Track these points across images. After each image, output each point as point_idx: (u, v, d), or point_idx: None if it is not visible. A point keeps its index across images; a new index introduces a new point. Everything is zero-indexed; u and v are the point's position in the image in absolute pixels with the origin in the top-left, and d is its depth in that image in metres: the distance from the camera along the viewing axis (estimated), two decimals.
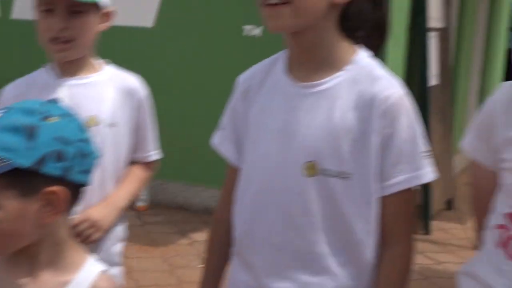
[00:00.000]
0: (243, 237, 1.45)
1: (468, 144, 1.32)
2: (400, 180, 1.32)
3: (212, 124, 5.53)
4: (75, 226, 1.79)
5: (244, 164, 1.46)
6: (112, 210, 1.90)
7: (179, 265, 4.03)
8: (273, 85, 1.42)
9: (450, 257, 4.45)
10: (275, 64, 1.44)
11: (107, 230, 1.88)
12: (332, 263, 1.35)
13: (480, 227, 1.32)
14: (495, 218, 1.23)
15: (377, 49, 1.42)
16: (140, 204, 4.99)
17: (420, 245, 4.58)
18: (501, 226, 1.21)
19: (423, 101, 4.76)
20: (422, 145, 1.35)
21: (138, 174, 2.02)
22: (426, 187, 4.80)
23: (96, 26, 1.89)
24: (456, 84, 6.17)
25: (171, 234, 4.57)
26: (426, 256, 4.43)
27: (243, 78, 1.50)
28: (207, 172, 4.85)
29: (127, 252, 4.08)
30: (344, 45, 1.36)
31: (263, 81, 1.44)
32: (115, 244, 2.00)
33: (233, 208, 1.48)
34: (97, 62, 1.98)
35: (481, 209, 1.32)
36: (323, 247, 1.35)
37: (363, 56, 1.36)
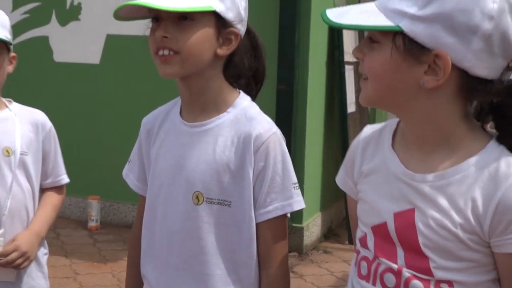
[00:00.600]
0: (152, 263, 1.47)
1: (339, 178, 1.34)
2: (273, 208, 1.36)
3: None
4: (4, 255, 1.84)
5: (148, 195, 1.49)
6: (36, 240, 1.94)
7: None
8: (170, 125, 1.46)
9: None
10: (174, 107, 1.48)
11: (33, 259, 1.93)
12: (222, 282, 1.39)
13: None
14: (356, 243, 1.27)
15: (256, 94, 1.48)
16: (92, 224, 4.97)
17: (344, 254, 4.70)
18: (357, 250, 1.25)
19: (343, 126, 4.90)
20: (292, 177, 1.39)
21: (54, 202, 2.07)
22: None
23: (7, 67, 1.93)
24: (374, 111, 6.32)
25: (120, 251, 4.52)
26: (349, 264, 4.41)
27: (146, 120, 1.54)
28: None
29: (79, 269, 4.14)
30: (228, 90, 1.42)
31: (163, 122, 1.48)
32: (43, 257, 2.07)
33: (142, 236, 1.51)
34: (5, 100, 2.00)
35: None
36: (213, 268, 1.38)
37: (243, 100, 1.42)
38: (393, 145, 1.21)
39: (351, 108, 5.03)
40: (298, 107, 4.43)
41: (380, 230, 1.18)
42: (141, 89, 4.97)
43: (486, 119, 1.17)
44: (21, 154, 1.93)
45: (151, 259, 1.47)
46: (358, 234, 1.26)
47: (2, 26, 1.87)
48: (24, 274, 1.96)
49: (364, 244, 1.22)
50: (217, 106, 1.41)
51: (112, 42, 5.01)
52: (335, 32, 4.84)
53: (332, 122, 5.02)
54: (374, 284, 1.18)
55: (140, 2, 1.28)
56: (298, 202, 1.39)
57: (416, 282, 1.12)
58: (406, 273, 1.13)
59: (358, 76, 5.27)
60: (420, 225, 1.11)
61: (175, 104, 1.49)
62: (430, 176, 1.12)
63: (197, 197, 1.38)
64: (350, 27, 1.14)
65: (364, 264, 1.21)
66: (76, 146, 4.76)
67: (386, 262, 1.16)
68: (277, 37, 4.29)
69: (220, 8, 1.32)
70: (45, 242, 2.09)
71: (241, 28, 1.39)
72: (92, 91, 4.99)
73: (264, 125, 1.38)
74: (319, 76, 4.73)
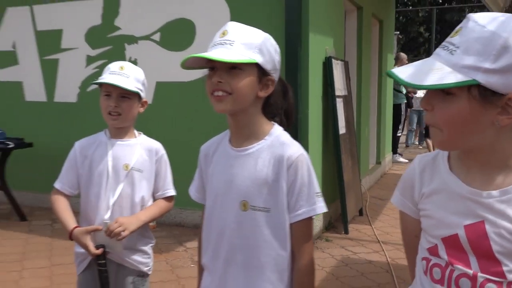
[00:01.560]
0: (210, 255, 1.46)
1: (396, 199, 1.25)
2: (301, 212, 1.35)
3: (192, 168, 5.53)
4: (109, 227, 1.90)
5: (206, 204, 1.49)
6: (136, 220, 1.96)
7: (177, 266, 4.01)
8: (222, 151, 1.46)
9: (362, 249, 4.47)
10: (224, 137, 1.48)
11: (132, 233, 1.94)
12: (262, 271, 1.37)
13: (410, 263, 1.26)
14: (421, 252, 1.17)
15: (289, 126, 1.47)
16: (151, 224, 4.95)
17: (341, 242, 4.66)
18: (424, 258, 1.15)
19: (336, 144, 4.88)
20: (316, 187, 1.37)
21: (159, 204, 2.10)
22: (343, 201, 4.86)
23: (136, 109, 2.05)
24: (359, 132, 6.30)
25: (172, 244, 4.53)
26: (346, 249, 4.45)
27: (204, 147, 1.54)
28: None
29: None
30: (265, 123, 1.41)
31: (217, 148, 1.48)
32: (147, 244, 2.13)
33: (202, 235, 1.49)
34: (136, 131, 2.12)
35: (410, 248, 1.27)
36: (255, 260, 1.37)
37: (277, 130, 1.41)
38: (450, 169, 1.11)
39: (342, 130, 5.02)
40: (302, 131, 4.44)
41: (451, 241, 1.08)
42: (183, 121, 5.01)
43: None
44: (135, 170, 2.03)
45: (208, 252, 1.47)
46: (425, 245, 1.15)
47: (137, 80, 2.00)
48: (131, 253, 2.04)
49: (434, 253, 1.12)
50: (257, 135, 1.40)
51: (160, 87, 5.06)
52: (328, 73, 4.86)
53: (327, 142, 5.02)
54: (449, 287, 1.08)
55: (203, 55, 1.29)
56: (320, 207, 1.38)
57: (490, 285, 1.03)
58: (481, 277, 1.04)
59: (346, 106, 5.27)
60: (492, 235, 1.02)
61: (225, 135, 1.49)
62: (495, 193, 1.03)
63: (243, 205, 1.37)
64: (434, 87, 0.99)
65: (437, 270, 1.11)
66: None
67: (460, 268, 1.06)
68: (284, 78, 4.28)
69: (261, 60, 1.33)
70: (152, 235, 2.17)
71: (276, 76, 1.40)
72: (147, 124, 4.99)
73: (293, 148, 1.37)
74: (317, 107, 4.74)
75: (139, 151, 2.06)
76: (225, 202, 1.41)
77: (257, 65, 1.33)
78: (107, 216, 1.97)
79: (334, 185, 5.05)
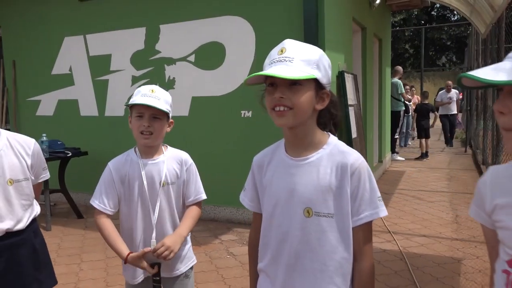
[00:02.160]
0: (269, 261, 1.28)
1: (472, 212, 1.10)
2: (364, 216, 1.19)
3: (224, 170, 5.32)
4: (155, 250, 1.69)
5: (264, 212, 1.30)
6: (179, 239, 1.76)
7: (215, 257, 3.83)
8: (278, 160, 1.28)
9: (376, 239, 4.24)
10: (278, 148, 1.31)
11: (177, 252, 1.75)
12: (330, 274, 1.20)
13: (491, 271, 1.10)
14: (500, 264, 1.01)
15: (334, 135, 1.30)
16: None
17: None
18: (504, 271, 0.99)
19: (350, 147, 4.68)
20: (377, 192, 1.21)
21: (193, 214, 1.88)
22: None
23: (165, 128, 1.84)
24: (365, 135, 6.09)
25: (208, 237, 4.37)
26: None
27: (257, 158, 1.35)
28: (227, 197, 4.72)
29: None
30: (321, 133, 1.25)
31: (271, 158, 1.30)
32: (188, 244, 1.95)
33: (260, 241, 1.31)
34: (163, 146, 1.90)
35: (490, 258, 1.11)
36: (322, 265, 1.20)
37: (333, 139, 1.26)
38: None
39: (354, 135, 4.82)
40: None
41: None
42: (215, 130, 4.84)
43: None
44: (170, 184, 1.84)
45: (267, 257, 1.28)
46: (504, 257, 0.98)
47: (166, 102, 1.80)
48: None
49: None
50: (315, 145, 1.23)
51: (195, 101, 4.91)
52: (341, 85, 4.66)
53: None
54: None
55: (267, 73, 1.12)
56: (382, 211, 1.20)
57: None
58: None
59: (356, 113, 5.05)
60: None
61: (278, 145, 1.31)
62: None
63: (307, 212, 1.19)
64: None
65: None
66: None
67: None
68: None
69: (318, 76, 1.16)
70: (189, 238, 1.96)
71: (329, 89, 1.23)
72: (183, 134, 4.89)
73: (354, 156, 1.20)
74: None
75: (169, 164, 1.85)
76: (287, 210, 1.22)
77: (314, 80, 1.17)
78: (153, 235, 1.78)
79: None
